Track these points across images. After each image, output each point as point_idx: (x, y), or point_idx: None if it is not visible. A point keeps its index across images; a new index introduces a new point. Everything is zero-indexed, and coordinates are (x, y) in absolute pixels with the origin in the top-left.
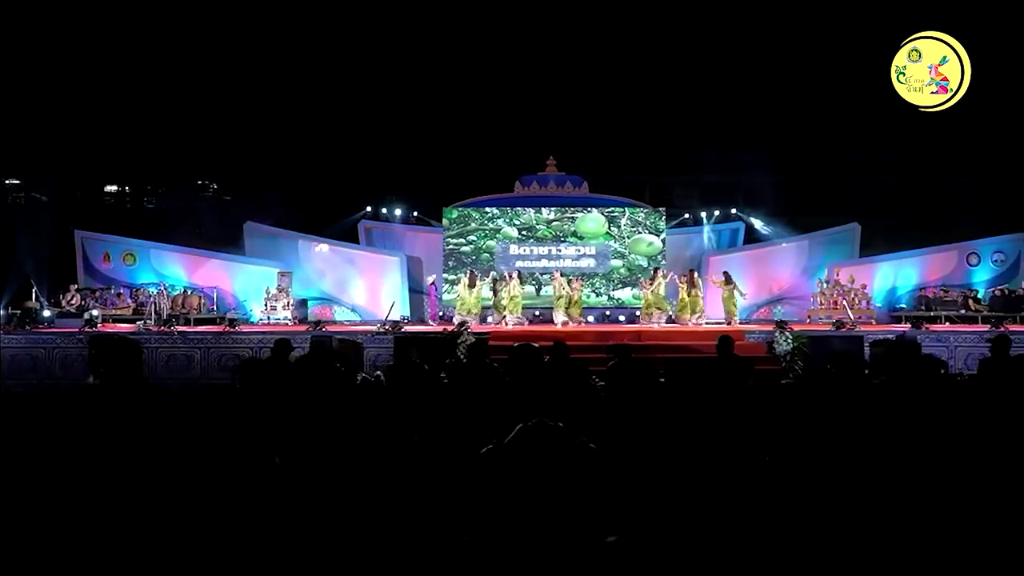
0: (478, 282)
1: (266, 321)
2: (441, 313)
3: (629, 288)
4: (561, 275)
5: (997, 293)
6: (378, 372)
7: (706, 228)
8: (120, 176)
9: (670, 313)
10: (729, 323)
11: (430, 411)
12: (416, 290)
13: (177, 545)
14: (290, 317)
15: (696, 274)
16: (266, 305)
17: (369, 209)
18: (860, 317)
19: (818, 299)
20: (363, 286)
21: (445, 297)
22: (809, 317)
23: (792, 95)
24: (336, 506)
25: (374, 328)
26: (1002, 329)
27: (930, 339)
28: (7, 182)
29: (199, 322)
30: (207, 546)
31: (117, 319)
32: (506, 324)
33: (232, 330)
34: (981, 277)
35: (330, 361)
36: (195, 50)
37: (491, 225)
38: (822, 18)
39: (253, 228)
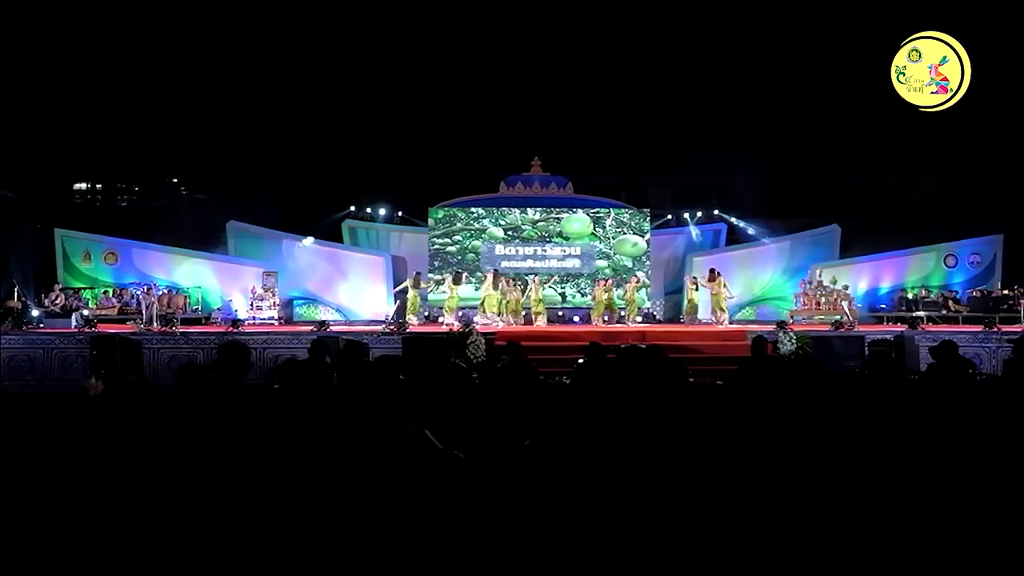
0: (462, 282)
1: (252, 321)
2: (427, 314)
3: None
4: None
5: (976, 294)
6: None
7: (692, 227)
8: (90, 173)
9: (622, 314)
10: (721, 323)
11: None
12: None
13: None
14: (276, 317)
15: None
16: (252, 305)
17: (353, 208)
18: (842, 317)
19: (801, 300)
20: (347, 286)
21: (431, 297)
22: (792, 317)
23: (771, 97)
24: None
25: (379, 328)
26: (995, 330)
27: (926, 339)
28: None
29: (185, 322)
30: (254, 550)
31: (103, 319)
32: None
33: (235, 330)
34: (958, 279)
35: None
36: (172, 44)
37: (477, 225)
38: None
39: (236, 227)
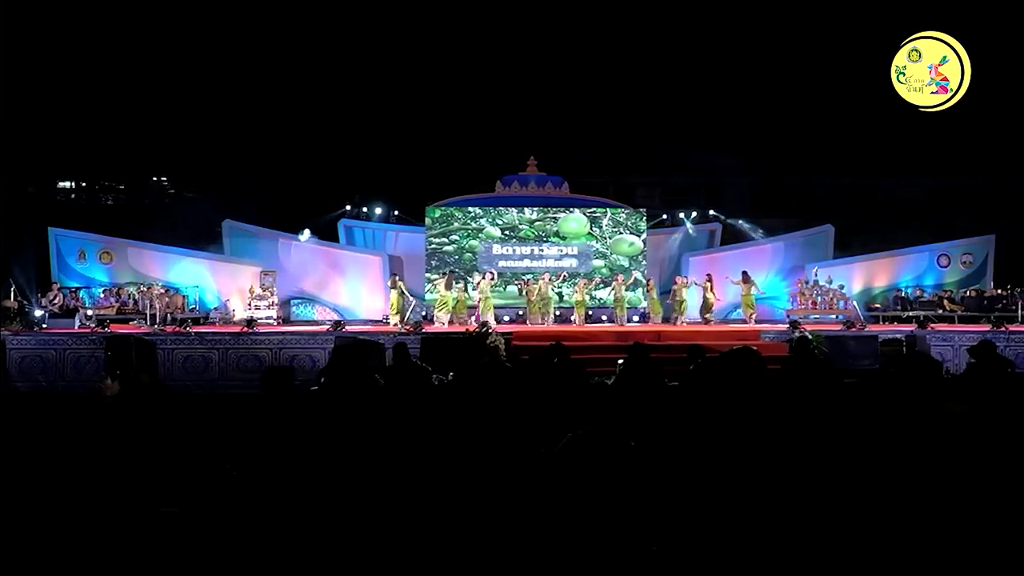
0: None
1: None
2: (424, 313)
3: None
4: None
5: (972, 294)
6: (440, 375)
7: (688, 224)
8: (75, 171)
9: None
10: (747, 321)
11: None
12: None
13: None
14: (275, 317)
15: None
16: (250, 304)
17: (348, 207)
18: (838, 317)
19: (797, 299)
20: (344, 285)
21: (427, 296)
22: (788, 317)
23: (765, 98)
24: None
25: (394, 328)
26: (1002, 329)
27: (936, 338)
28: None
29: (183, 322)
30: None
31: (101, 319)
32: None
33: (250, 331)
34: (951, 279)
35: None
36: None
37: (474, 225)
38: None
39: (232, 226)
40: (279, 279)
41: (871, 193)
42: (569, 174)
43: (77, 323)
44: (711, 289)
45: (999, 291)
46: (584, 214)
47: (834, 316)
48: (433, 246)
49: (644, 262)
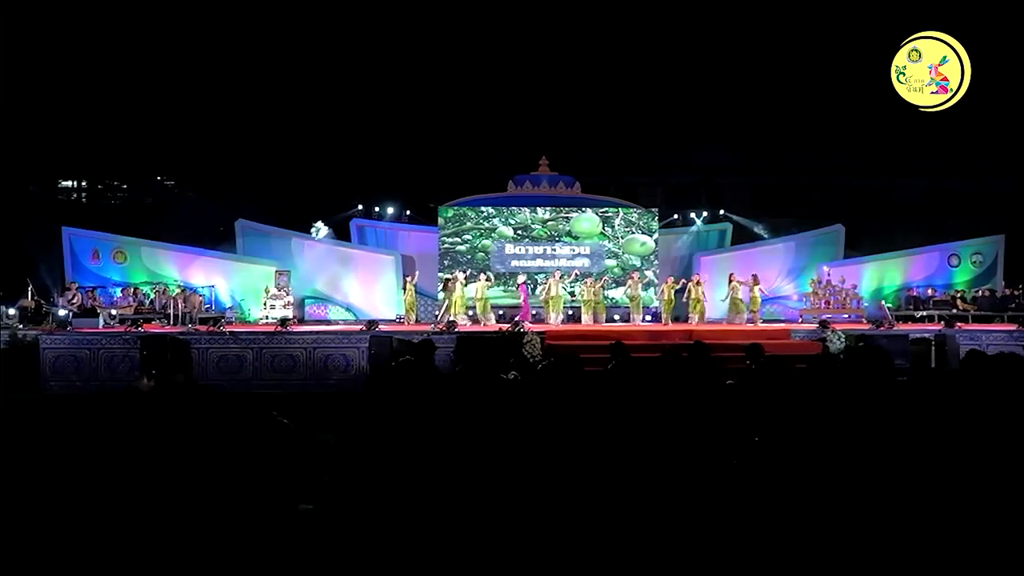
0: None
1: (266, 320)
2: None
3: (622, 288)
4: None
5: (985, 294)
6: (513, 373)
7: (699, 222)
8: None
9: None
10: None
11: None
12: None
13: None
14: (290, 316)
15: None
16: (265, 304)
17: (360, 207)
18: (850, 316)
19: (810, 298)
20: (358, 285)
21: (440, 296)
22: (801, 317)
23: (766, 98)
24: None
25: (428, 327)
26: None
27: (964, 337)
28: None
29: (202, 322)
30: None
31: (124, 318)
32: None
33: (284, 331)
34: (961, 278)
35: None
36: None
37: (487, 224)
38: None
39: (245, 226)
40: (293, 279)
41: (870, 193)
42: (570, 174)
43: (101, 323)
44: (757, 288)
45: (1010, 291)
46: (596, 214)
47: (846, 315)
48: (446, 246)
49: (656, 262)
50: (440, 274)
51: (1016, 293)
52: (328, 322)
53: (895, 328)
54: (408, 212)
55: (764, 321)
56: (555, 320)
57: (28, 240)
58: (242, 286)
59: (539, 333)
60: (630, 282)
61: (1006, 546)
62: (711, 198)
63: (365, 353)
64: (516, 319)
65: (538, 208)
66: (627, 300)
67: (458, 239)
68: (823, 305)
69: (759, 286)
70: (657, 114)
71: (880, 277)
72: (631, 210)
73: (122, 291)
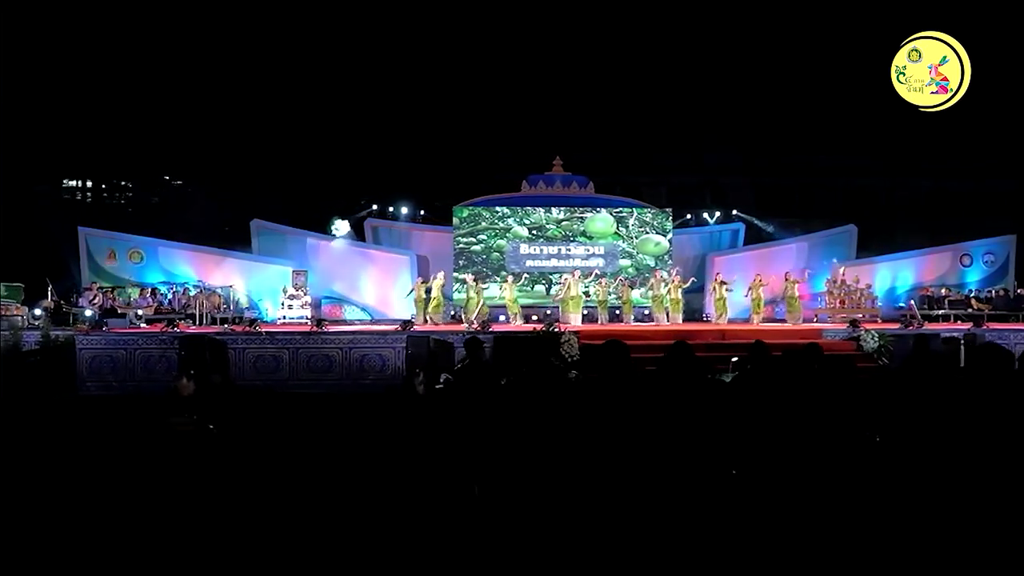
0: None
1: (284, 320)
2: (453, 313)
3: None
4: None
5: (1000, 293)
6: (574, 372)
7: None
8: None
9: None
10: (753, 322)
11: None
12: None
13: None
14: (307, 317)
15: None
16: (283, 304)
17: (375, 207)
18: (865, 316)
19: (824, 298)
20: (373, 285)
21: (455, 296)
22: (816, 317)
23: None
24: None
25: (463, 327)
26: None
27: (993, 337)
28: None
29: (222, 322)
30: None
31: (154, 319)
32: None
33: (320, 331)
34: (973, 277)
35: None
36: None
37: (501, 224)
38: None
39: (260, 226)
40: (309, 279)
41: (873, 193)
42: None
43: (127, 323)
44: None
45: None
46: (611, 214)
47: (860, 315)
48: (461, 246)
49: (670, 261)
50: (456, 274)
51: None
52: (346, 322)
53: (924, 327)
54: (422, 212)
55: (777, 321)
56: (575, 320)
57: (40, 240)
58: (258, 286)
59: (575, 332)
60: (652, 282)
61: None
62: (715, 198)
63: (401, 353)
64: (551, 320)
65: (552, 208)
66: (644, 300)
67: (473, 239)
68: (838, 305)
69: (764, 286)
70: (661, 114)
71: (892, 277)
72: (645, 210)
73: (140, 291)
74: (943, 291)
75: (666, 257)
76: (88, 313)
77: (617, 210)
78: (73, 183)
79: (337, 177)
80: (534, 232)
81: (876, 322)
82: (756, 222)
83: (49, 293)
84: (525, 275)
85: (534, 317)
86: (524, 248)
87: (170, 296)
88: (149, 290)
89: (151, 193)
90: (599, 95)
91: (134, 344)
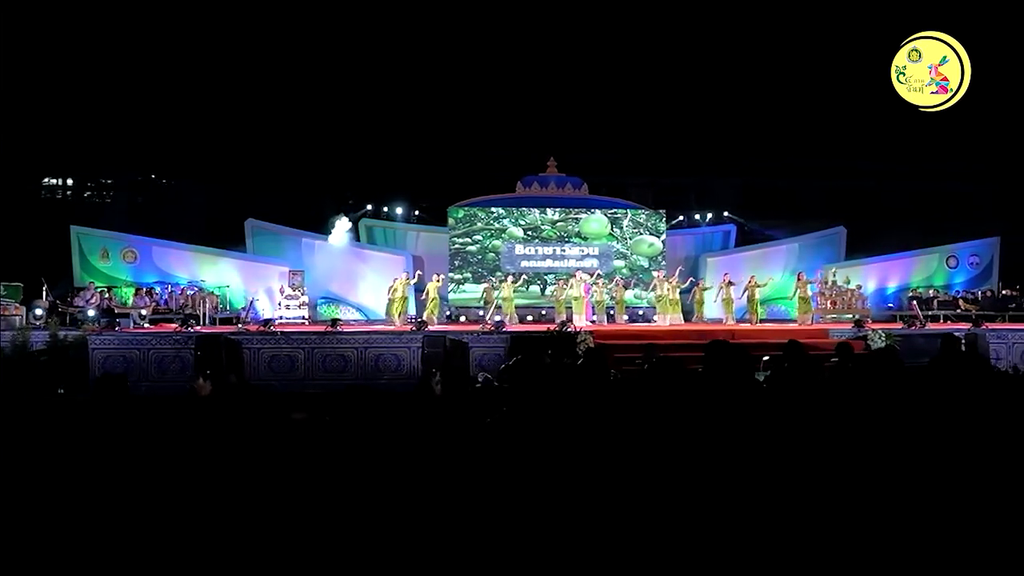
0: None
1: (280, 320)
2: (448, 313)
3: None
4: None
5: (987, 294)
6: (613, 371)
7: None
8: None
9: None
10: (751, 322)
11: None
12: (421, 289)
13: None
14: (304, 317)
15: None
16: (279, 304)
17: (370, 208)
18: (858, 316)
19: (816, 299)
20: (368, 285)
21: (451, 296)
22: (811, 317)
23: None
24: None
25: (478, 327)
26: None
27: (992, 336)
28: None
29: (223, 322)
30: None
31: (168, 318)
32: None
33: (335, 331)
34: (959, 279)
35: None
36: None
37: (497, 225)
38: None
39: (255, 226)
40: (305, 279)
41: (861, 195)
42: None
43: (132, 323)
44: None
45: (1009, 291)
46: (605, 215)
47: (851, 316)
48: (456, 246)
49: (663, 262)
50: (451, 274)
51: (1015, 293)
52: (346, 323)
53: (927, 327)
54: (417, 212)
55: (773, 321)
56: (578, 321)
57: (28, 239)
58: (254, 286)
59: (590, 332)
60: (655, 282)
61: None
62: (702, 199)
63: (416, 352)
64: (566, 319)
65: (547, 209)
66: (634, 301)
67: (468, 239)
68: (829, 305)
69: (763, 286)
70: (649, 114)
71: (881, 278)
72: (639, 211)
73: (136, 291)
74: (931, 292)
75: (659, 258)
76: (91, 313)
77: (611, 211)
78: (55, 181)
79: (332, 177)
80: (529, 233)
81: (868, 322)
82: (749, 226)
83: (44, 293)
84: (524, 276)
85: (528, 317)
86: (519, 249)
87: (166, 296)
88: (145, 290)
89: (138, 192)
90: (586, 95)
91: (148, 344)
